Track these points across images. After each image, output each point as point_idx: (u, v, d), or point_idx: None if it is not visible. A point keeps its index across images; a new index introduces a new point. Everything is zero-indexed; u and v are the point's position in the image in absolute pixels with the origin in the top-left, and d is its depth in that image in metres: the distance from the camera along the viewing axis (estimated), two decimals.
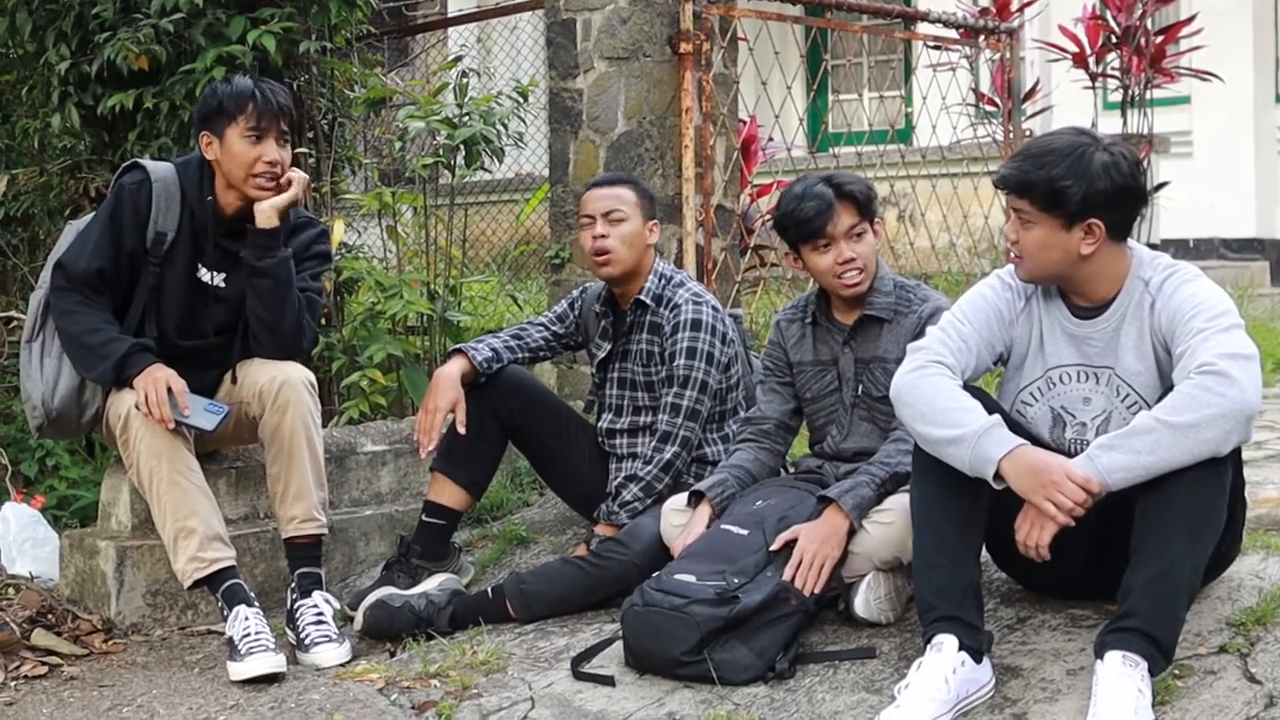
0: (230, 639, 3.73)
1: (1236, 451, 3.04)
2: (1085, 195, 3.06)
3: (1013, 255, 3.25)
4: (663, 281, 4.23)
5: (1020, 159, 3.16)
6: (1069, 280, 3.21)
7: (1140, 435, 2.91)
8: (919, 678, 3.03)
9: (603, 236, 4.14)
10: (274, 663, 3.67)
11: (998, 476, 3.01)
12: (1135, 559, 2.94)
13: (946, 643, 3.06)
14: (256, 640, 3.69)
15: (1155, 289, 3.14)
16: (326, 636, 3.82)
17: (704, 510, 3.76)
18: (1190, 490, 2.91)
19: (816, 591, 3.47)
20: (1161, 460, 2.89)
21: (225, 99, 3.94)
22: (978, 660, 3.09)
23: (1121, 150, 3.11)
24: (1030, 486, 2.98)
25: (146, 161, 4.05)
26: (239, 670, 3.67)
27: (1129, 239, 3.20)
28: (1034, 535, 3.03)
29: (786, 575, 3.45)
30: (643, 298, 4.20)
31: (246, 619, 3.74)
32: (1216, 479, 2.95)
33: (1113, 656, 2.88)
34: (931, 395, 3.14)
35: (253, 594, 3.83)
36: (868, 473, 3.59)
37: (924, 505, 3.20)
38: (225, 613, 3.78)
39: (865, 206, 3.73)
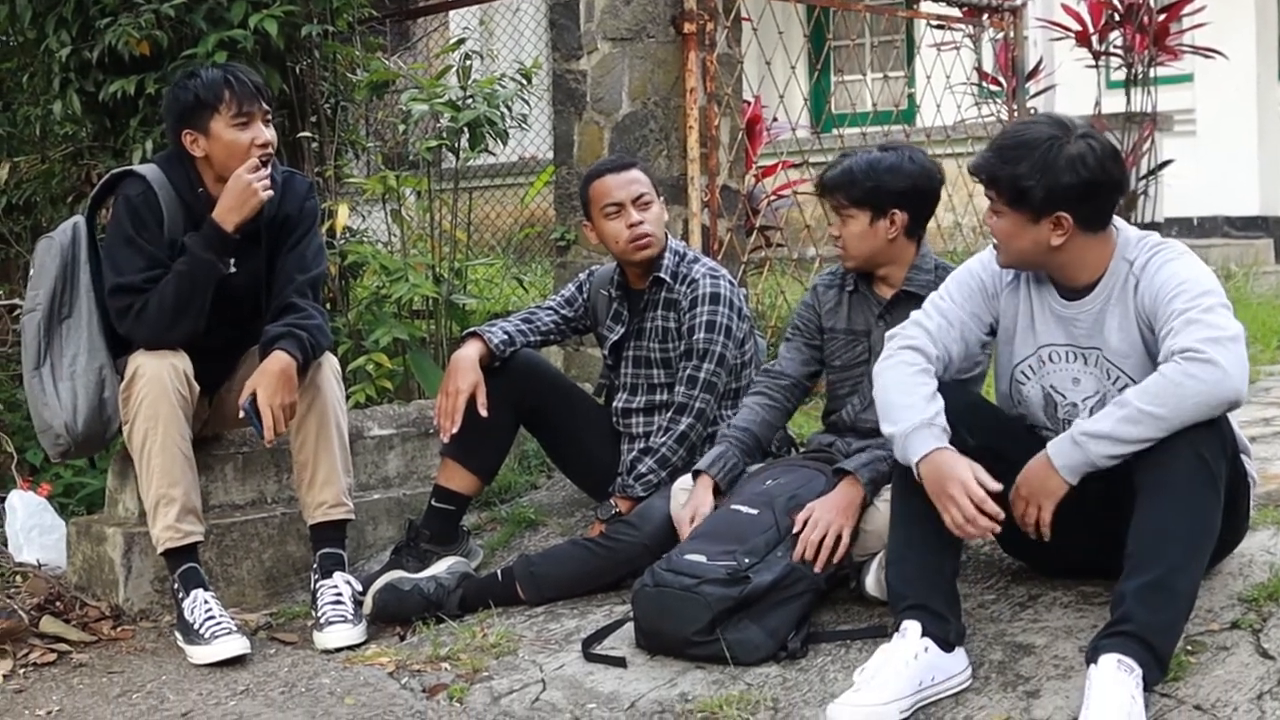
0: (187, 622, 3.76)
1: (1234, 445, 3.03)
2: (1049, 192, 3.04)
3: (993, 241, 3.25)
4: (677, 258, 4.23)
5: (991, 150, 3.14)
6: (1045, 267, 3.20)
7: (1128, 424, 2.89)
8: (878, 661, 3.03)
9: (640, 223, 4.14)
10: (240, 645, 3.71)
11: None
12: (1129, 565, 2.89)
13: (910, 628, 3.06)
14: (219, 624, 3.73)
15: (1139, 269, 3.11)
16: (342, 617, 3.83)
17: (705, 483, 3.77)
18: (1185, 497, 2.88)
19: (835, 562, 3.47)
20: (1150, 441, 2.88)
21: (200, 92, 3.89)
22: (946, 649, 3.07)
23: (1092, 142, 3.06)
24: (934, 492, 3.03)
25: (137, 167, 4.02)
26: (205, 654, 3.70)
27: (1112, 223, 3.16)
28: (1030, 514, 3.03)
29: (799, 547, 3.45)
30: (662, 275, 4.19)
31: (207, 603, 3.78)
32: (1212, 486, 2.91)
33: (1107, 660, 2.81)
34: (885, 389, 3.20)
35: (207, 578, 3.89)
36: (884, 448, 3.58)
37: (899, 498, 3.21)
38: (180, 594, 3.82)
39: (841, 192, 3.75)
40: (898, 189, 3.72)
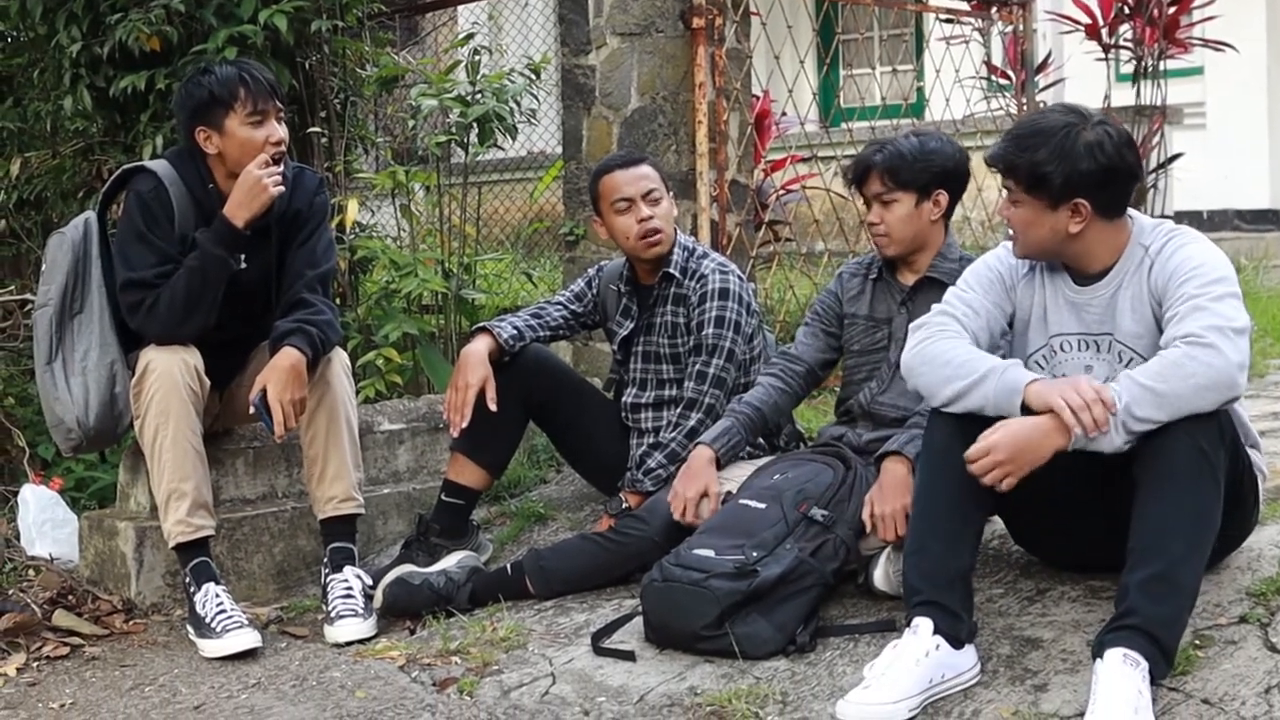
0: (199, 616, 3.78)
1: (1234, 436, 3.02)
2: (1067, 178, 3.04)
3: (1009, 232, 3.25)
4: (686, 254, 4.24)
5: (1008, 139, 3.15)
6: (1062, 256, 3.20)
7: (1134, 406, 2.88)
8: (889, 659, 3.03)
9: (650, 218, 4.15)
10: (252, 639, 3.73)
11: (1023, 406, 2.97)
12: (1132, 559, 2.89)
13: (922, 625, 3.05)
14: (230, 617, 3.75)
15: (1155, 253, 3.12)
16: (352, 611, 3.84)
17: (708, 456, 3.81)
18: (1185, 489, 2.88)
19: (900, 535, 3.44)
20: (1152, 422, 2.88)
21: (215, 89, 3.89)
22: (956, 647, 3.06)
23: (1108, 129, 3.08)
24: (1048, 395, 2.92)
25: (148, 163, 4.02)
26: (216, 647, 3.72)
27: (1127, 211, 3.16)
28: (997, 474, 2.97)
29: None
30: (671, 270, 4.20)
31: (218, 596, 3.80)
32: (1211, 477, 2.91)
33: (1113, 654, 2.82)
34: (945, 355, 3.14)
35: (218, 572, 3.90)
36: (919, 426, 3.53)
37: (923, 489, 3.20)
38: (191, 589, 3.83)
39: (890, 175, 3.75)
40: (944, 169, 3.76)
